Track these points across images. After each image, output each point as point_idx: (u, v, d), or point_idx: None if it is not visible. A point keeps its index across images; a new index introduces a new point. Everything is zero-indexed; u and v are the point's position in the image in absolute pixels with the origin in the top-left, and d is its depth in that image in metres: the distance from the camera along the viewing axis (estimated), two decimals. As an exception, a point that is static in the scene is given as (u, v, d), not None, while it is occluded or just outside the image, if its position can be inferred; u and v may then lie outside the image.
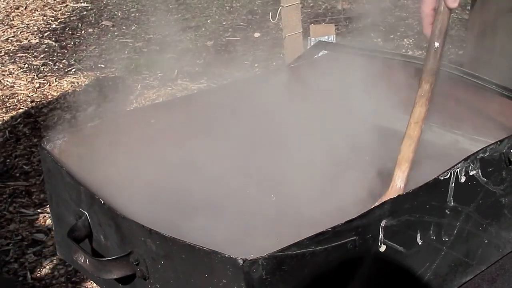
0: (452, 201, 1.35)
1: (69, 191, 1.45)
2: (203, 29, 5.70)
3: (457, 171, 1.34)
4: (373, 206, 1.22)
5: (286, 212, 1.66)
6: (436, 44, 1.58)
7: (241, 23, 5.76)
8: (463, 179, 1.36)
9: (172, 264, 1.19)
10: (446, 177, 1.32)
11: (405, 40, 5.08)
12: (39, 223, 3.25)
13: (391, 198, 1.23)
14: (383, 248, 1.25)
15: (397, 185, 1.53)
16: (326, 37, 3.62)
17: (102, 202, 1.31)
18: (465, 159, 1.36)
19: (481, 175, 1.40)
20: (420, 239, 1.32)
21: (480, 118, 1.81)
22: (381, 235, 1.24)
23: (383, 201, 1.29)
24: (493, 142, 1.42)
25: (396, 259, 1.29)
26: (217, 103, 1.83)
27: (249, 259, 1.06)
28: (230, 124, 1.82)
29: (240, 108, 1.85)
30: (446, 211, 1.36)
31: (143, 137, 1.72)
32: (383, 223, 1.23)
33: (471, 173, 1.37)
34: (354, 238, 1.19)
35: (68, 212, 1.48)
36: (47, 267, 2.99)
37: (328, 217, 1.41)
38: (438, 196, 1.33)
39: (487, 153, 1.40)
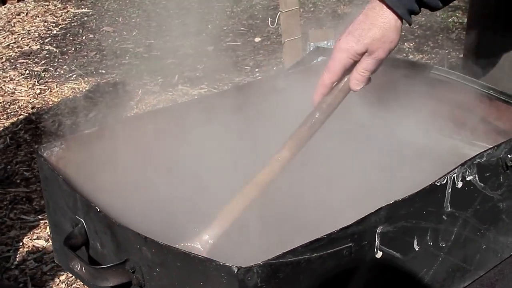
0: (449, 206, 1.35)
1: (65, 199, 1.44)
2: (204, 34, 5.70)
3: (454, 177, 1.34)
4: (369, 212, 1.21)
5: (286, 218, 1.66)
6: (317, 116, 1.48)
7: (242, 28, 5.76)
8: (460, 184, 1.35)
9: (168, 271, 1.19)
10: (442, 182, 1.32)
11: (405, 44, 5.08)
12: (39, 230, 3.25)
13: (387, 204, 1.23)
14: (379, 254, 1.25)
15: (204, 238, 1.41)
16: (325, 42, 3.62)
17: (98, 209, 1.31)
18: (462, 164, 1.35)
19: (478, 180, 1.39)
20: (417, 245, 1.32)
21: (478, 123, 1.81)
22: (377, 242, 1.23)
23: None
24: (490, 147, 1.41)
25: (393, 266, 1.29)
26: (215, 110, 1.83)
27: (244, 266, 1.06)
28: (228, 130, 1.82)
29: (238, 114, 1.85)
30: (443, 216, 1.35)
31: (141, 144, 1.71)
32: (379, 229, 1.23)
33: (468, 178, 1.37)
34: (350, 244, 1.18)
35: (65, 219, 1.48)
36: (48, 273, 2.98)
37: (326, 222, 1.41)
38: (435, 202, 1.33)
39: (484, 158, 1.39)
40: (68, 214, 1.45)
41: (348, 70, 1.46)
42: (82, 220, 1.40)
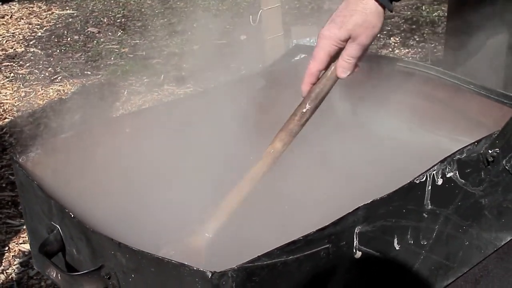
0: (429, 204, 1.34)
1: (41, 205, 1.42)
2: (189, 33, 5.67)
3: (434, 174, 1.32)
4: (347, 212, 1.20)
5: (266, 215, 1.64)
6: (307, 107, 1.48)
7: (227, 26, 5.74)
8: (440, 181, 1.34)
9: (143, 277, 1.17)
10: (422, 180, 1.30)
11: (391, 38, 5.07)
12: (25, 234, 3.21)
13: (365, 204, 1.21)
14: (358, 254, 1.23)
15: (206, 234, 1.44)
16: (308, 39, 3.60)
17: (72, 215, 1.29)
18: (442, 161, 1.34)
19: (458, 176, 1.38)
20: (398, 244, 1.31)
21: (460, 118, 1.80)
22: (355, 242, 1.22)
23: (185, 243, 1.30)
24: (471, 142, 1.40)
25: (373, 266, 1.28)
26: (194, 110, 1.81)
27: (218, 271, 1.04)
28: (209, 130, 1.80)
29: (217, 114, 1.83)
30: (424, 214, 1.34)
31: (118, 147, 1.70)
32: (357, 230, 1.21)
33: (448, 175, 1.35)
34: (327, 246, 1.17)
35: (41, 225, 1.46)
36: (34, 278, 2.96)
37: (305, 219, 1.39)
38: (415, 200, 1.31)
39: (464, 154, 1.38)
40: (44, 220, 1.43)
41: (334, 57, 1.46)
42: (58, 226, 1.38)
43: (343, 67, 1.45)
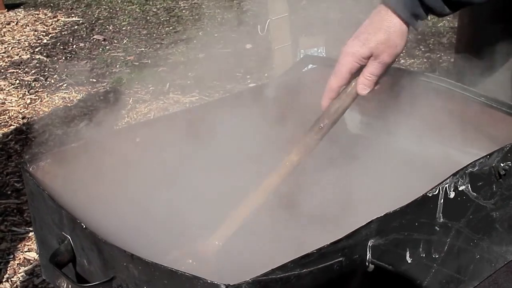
0: (441, 217, 1.33)
1: (51, 215, 1.42)
2: (195, 41, 5.69)
3: (446, 187, 1.32)
4: (360, 226, 1.19)
5: (283, 233, 1.64)
6: (326, 122, 1.49)
7: (233, 35, 5.75)
8: (452, 194, 1.33)
9: (155, 289, 1.16)
10: (434, 193, 1.30)
11: (397, 48, 5.06)
12: (30, 242, 3.21)
13: (377, 217, 1.20)
14: (371, 268, 1.22)
15: (216, 242, 1.46)
16: (316, 49, 3.60)
17: (84, 226, 1.28)
18: (454, 174, 1.33)
19: (470, 189, 1.37)
20: (410, 257, 1.30)
21: (470, 130, 1.79)
22: (368, 255, 1.21)
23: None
24: (482, 155, 1.39)
25: (385, 279, 1.27)
26: (203, 121, 1.81)
27: (231, 284, 1.04)
28: (216, 141, 1.80)
29: (227, 124, 1.83)
30: (436, 227, 1.33)
31: (128, 156, 1.69)
32: (370, 243, 1.20)
33: (460, 188, 1.35)
34: (340, 259, 1.16)
35: (51, 235, 1.45)
36: (39, 286, 2.95)
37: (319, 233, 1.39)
38: (427, 213, 1.31)
39: (476, 167, 1.37)
40: (55, 230, 1.43)
41: (355, 74, 1.47)
42: (69, 237, 1.38)
43: (364, 84, 1.46)
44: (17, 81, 5.16)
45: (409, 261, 1.30)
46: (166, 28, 6.14)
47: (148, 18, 6.55)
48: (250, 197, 1.48)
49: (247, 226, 1.48)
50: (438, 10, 1.44)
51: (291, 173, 1.49)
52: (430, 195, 1.29)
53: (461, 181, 1.35)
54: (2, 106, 4.73)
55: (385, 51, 1.42)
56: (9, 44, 6.05)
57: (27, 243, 3.21)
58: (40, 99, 4.80)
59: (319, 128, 1.49)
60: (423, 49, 5.04)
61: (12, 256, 3.13)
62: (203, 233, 1.53)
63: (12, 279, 3.00)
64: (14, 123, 4.45)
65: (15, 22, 6.66)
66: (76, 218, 1.32)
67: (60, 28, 6.44)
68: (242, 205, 1.48)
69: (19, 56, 5.72)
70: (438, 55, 4.83)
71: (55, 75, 5.24)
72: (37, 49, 5.87)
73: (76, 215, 1.33)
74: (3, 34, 6.32)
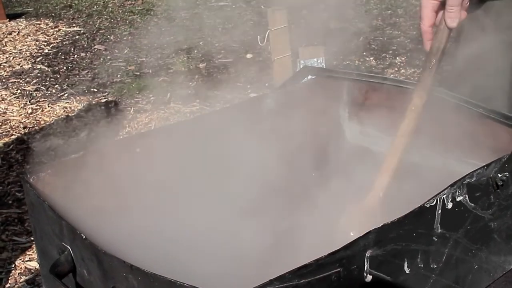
0: (439, 227, 1.34)
1: (51, 225, 1.43)
2: (196, 51, 5.70)
3: (444, 198, 1.32)
4: (357, 237, 1.20)
5: (280, 247, 1.65)
6: (433, 61, 1.60)
7: (233, 45, 5.76)
8: (450, 205, 1.34)
9: (154, 300, 1.17)
10: (432, 204, 1.31)
11: (397, 58, 5.08)
12: (31, 251, 3.22)
13: (375, 228, 1.21)
14: (369, 278, 1.23)
15: (377, 194, 1.60)
16: (315, 59, 3.61)
17: (84, 237, 1.29)
18: (452, 185, 1.34)
19: (468, 200, 1.38)
20: (408, 267, 1.31)
21: (469, 140, 1.80)
22: (366, 266, 1.22)
23: (359, 207, 1.28)
24: (480, 166, 1.40)
25: (383, 289, 1.28)
26: (203, 131, 1.82)
27: (230, 295, 1.05)
28: (217, 150, 1.81)
29: (228, 134, 1.84)
30: (434, 238, 1.34)
31: (129, 167, 1.70)
32: (368, 253, 1.21)
33: (458, 199, 1.36)
34: (338, 269, 1.17)
35: (52, 246, 1.46)
36: (40, 295, 2.96)
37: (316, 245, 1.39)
38: (425, 224, 1.31)
39: (474, 178, 1.38)
40: (55, 240, 1.43)
41: (439, 11, 1.59)
42: (69, 247, 1.38)
43: (450, 17, 1.56)
44: (19, 91, 5.18)
45: (407, 272, 1.31)
46: (167, 38, 6.15)
47: (149, 28, 6.57)
48: (393, 146, 1.62)
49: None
50: None
51: (420, 115, 1.61)
52: (428, 205, 1.30)
53: (458, 192, 1.35)
54: (4, 116, 4.74)
55: None
56: (10, 54, 6.07)
57: (28, 253, 3.21)
58: (41, 109, 4.81)
59: (429, 68, 1.61)
60: (423, 59, 5.04)
61: (13, 266, 3.13)
62: (206, 242, 1.54)
63: (13, 288, 3.01)
64: (16, 132, 4.46)
65: (17, 32, 6.68)
66: (76, 229, 1.32)
67: (62, 38, 6.46)
68: (388, 155, 1.62)
69: (21, 66, 5.74)
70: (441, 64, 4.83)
71: (56, 85, 5.25)
72: (38, 59, 5.89)
73: (76, 226, 1.34)
74: (4, 44, 6.34)
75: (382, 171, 1.61)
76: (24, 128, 4.52)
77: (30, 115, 4.72)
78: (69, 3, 7.87)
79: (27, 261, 3.17)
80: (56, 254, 1.44)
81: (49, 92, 5.13)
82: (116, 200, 1.64)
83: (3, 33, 6.68)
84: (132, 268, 1.17)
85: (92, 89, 5.11)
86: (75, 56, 5.93)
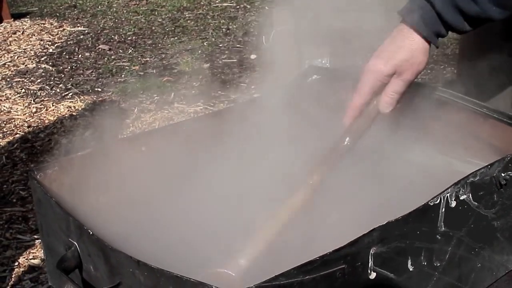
0: (443, 226, 1.35)
1: (58, 221, 1.44)
2: (200, 51, 5.71)
3: (447, 196, 1.33)
4: (362, 234, 1.21)
5: (285, 241, 1.65)
6: (347, 140, 1.52)
7: (238, 45, 5.77)
8: (453, 203, 1.35)
9: (161, 295, 1.18)
10: (436, 202, 1.31)
11: (401, 59, 5.07)
12: (35, 250, 3.23)
13: (380, 225, 1.22)
14: (373, 275, 1.24)
15: (239, 262, 1.41)
16: (320, 60, 3.61)
17: (91, 232, 1.30)
18: (455, 184, 1.35)
19: (472, 199, 1.39)
20: (411, 265, 1.32)
21: (472, 140, 1.80)
22: (370, 263, 1.23)
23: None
24: (483, 165, 1.41)
25: (387, 286, 1.28)
26: (208, 130, 1.82)
27: (236, 290, 1.06)
28: (223, 150, 1.82)
29: (231, 134, 1.84)
30: (437, 236, 1.35)
31: (134, 165, 1.71)
32: (372, 251, 1.22)
33: (461, 198, 1.37)
34: (343, 266, 1.18)
35: (58, 242, 1.47)
36: (44, 293, 2.97)
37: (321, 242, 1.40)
38: (429, 222, 1.32)
39: (478, 177, 1.39)
40: (61, 236, 1.44)
41: (377, 92, 1.48)
42: (75, 243, 1.39)
43: (386, 102, 1.48)
44: (23, 90, 5.19)
45: (411, 269, 1.32)
46: (171, 38, 6.16)
47: (153, 28, 6.58)
48: (275, 217, 1.47)
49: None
50: (459, 28, 1.45)
51: (316, 191, 1.50)
52: (432, 204, 1.31)
53: (462, 191, 1.36)
54: (8, 115, 4.75)
55: (408, 69, 1.43)
56: (15, 53, 6.08)
57: (32, 251, 3.23)
58: (45, 108, 4.82)
59: (342, 147, 1.51)
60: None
61: (17, 264, 3.15)
62: (210, 241, 1.54)
63: (17, 286, 3.02)
64: (20, 131, 4.47)
65: (21, 32, 6.69)
66: (83, 225, 1.34)
67: (66, 37, 6.48)
68: (266, 225, 1.46)
69: (25, 65, 5.75)
70: (442, 66, 4.84)
71: (61, 84, 5.26)
72: (42, 58, 5.90)
73: (83, 222, 1.35)
74: (9, 43, 6.36)
75: (254, 242, 1.44)
76: (28, 127, 4.53)
77: (35, 114, 4.73)
78: (73, 3, 7.88)
79: (31, 259, 3.18)
80: (62, 250, 1.45)
81: (53, 91, 5.14)
82: (122, 197, 1.65)
83: (8, 32, 6.69)
84: (139, 263, 1.18)
85: (96, 89, 5.12)
86: (80, 55, 5.94)
